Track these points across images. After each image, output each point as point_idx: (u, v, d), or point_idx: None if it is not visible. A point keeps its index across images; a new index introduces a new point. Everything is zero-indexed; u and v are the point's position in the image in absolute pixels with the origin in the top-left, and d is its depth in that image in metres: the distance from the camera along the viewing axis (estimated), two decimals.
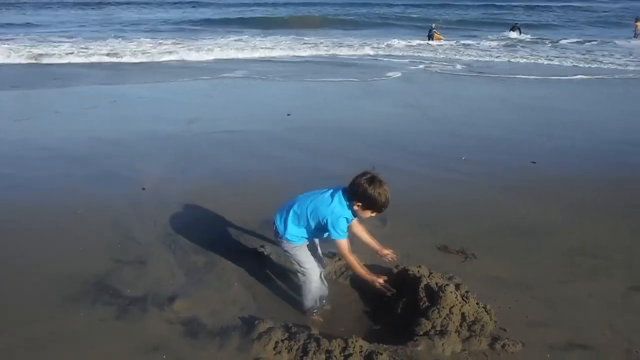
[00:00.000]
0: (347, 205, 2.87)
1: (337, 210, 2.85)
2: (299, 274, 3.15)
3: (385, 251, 3.19)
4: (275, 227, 3.09)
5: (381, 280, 2.98)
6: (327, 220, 2.86)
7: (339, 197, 2.88)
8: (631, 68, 14.80)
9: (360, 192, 2.80)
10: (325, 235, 2.98)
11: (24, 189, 5.10)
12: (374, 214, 2.90)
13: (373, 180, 2.80)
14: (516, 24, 26.73)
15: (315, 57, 16.72)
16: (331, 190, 2.94)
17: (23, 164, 5.79)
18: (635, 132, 7.74)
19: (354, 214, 2.91)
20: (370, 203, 2.82)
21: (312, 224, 2.95)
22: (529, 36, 24.32)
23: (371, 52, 18.17)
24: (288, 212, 3.02)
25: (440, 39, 22.21)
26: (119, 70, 13.15)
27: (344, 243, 2.91)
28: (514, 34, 24.67)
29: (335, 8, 42.56)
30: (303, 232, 3.04)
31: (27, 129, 7.27)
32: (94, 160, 5.92)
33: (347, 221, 2.91)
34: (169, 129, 7.28)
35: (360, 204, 2.84)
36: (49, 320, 3.07)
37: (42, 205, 4.69)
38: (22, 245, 3.97)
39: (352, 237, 3.10)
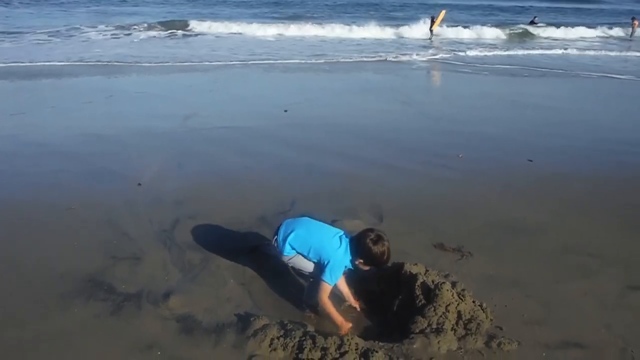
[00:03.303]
0: (350, 260, 3.01)
1: (341, 258, 2.98)
2: (309, 279, 3.19)
3: (354, 303, 3.22)
4: (276, 239, 3.17)
5: (346, 328, 2.99)
6: (327, 262, 2.96)
7: (346, 246, 3.01)
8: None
9: (365, 251, 2.97)
10: (313, 272, 3.08)
11: (17, 185, 5.06)
12: (372, 267, 3.10)
13: (378, 240, 2.96)
14: (535, 17, 26.77)
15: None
16: (341, 235, 3.09)
17: (16, 160, 5.74)
18: (633, 131, 7.76)
19: (353, 266, 3.06)
20: (373, 260, 3.00)
21: (312, 256, 3.06)
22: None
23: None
24: (291, 233, 3.11)
25: (440, 18, 22.27)
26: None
27: (328, 289, 2.99)
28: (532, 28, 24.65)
29: None
30: (299, 250, 3.12)
31: (22, 124, 7.21)
32: (88, 156, 5.88)
33: (344, 269, 3.04)
34: (165, 125, 7.24)
35: (362, 261, 3.02)
36: (43, 317, 3.04)
37: (36, 201, 4.65)
38: (15, 242, 3.94)
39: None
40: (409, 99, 9.56)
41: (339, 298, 3.18)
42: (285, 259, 3.17)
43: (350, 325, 3.03)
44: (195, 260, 3.69)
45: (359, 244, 2.98)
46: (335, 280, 2.99)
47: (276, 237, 3.17)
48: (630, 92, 11.61)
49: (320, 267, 3.02)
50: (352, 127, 7.41)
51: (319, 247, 3.02)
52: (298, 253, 3.12)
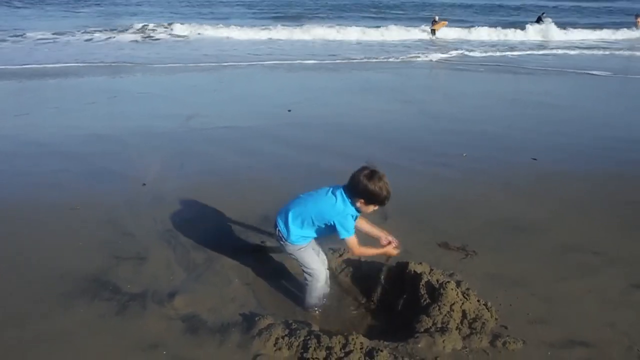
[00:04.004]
0: (351, 203, 2.86)
1: (343, 210, 2.86)
2: (305, 275, 3.15)
3: (389, 239, 3.12)
4: (278, 230, 3.07)
5: (393, 250, 3.10)
6: (334, 221, 2.87)
7: (342, 196, 2.87)
8: None
9: (361, 189, 2.80)
10: (334, 233, 2.95)
11: (21, 185, 5.07)
12: (377, 207, 2.90)
13: (372, 175, 2.80)
14: (543, 13, 26.59)
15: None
16: (332, 189, 2.93)
17: (18, 160, 5.75)
18: (634, 129, 7.75)
19: (358, 210, 2.90)
20: (373, 198, 2.82)
21: (319, 225, 2.96)
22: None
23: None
24: (288, 215, 3.00)
25: (443, 24, 22.18)
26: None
27: (353, 241, 2.92)
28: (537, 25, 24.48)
29: None
30: (307, 232, 3.03)
31: (26, 124, 7.22)
32: (92, 156, 5.89)
33: (353, 218, 2.92)
34: (168, 125, 7.24)
35: (362, 200, 2.84)
36: (48, 316, 3.05)
37: (40, 201, 4.66)
38: (20, 242, 3.95)
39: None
40: (410, 98, 9.55)
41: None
42: (289, 248, 3.07)
43: (393, 245, 3.09)
44: (200, 260, 3.70)
45: (354, 185, 2.83)
46: (351, 230, 2.89)
47: (278, 228, 3.07)
48: (630, 90, 11.58)
49: (331, 229, 2.92)
50: (353, 127, 7.41)
51: (319, 212, 2.92)
52: (307, 237, 3.04)
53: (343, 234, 2.88)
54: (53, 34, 17.37)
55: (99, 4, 31.35)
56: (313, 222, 2.96)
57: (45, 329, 2.94)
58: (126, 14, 26.00)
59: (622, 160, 6.13)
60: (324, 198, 2.92)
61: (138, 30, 19.03)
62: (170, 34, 18.94)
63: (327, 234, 3.05)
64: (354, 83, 11.31)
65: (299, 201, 3.03)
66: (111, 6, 30.78)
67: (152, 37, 18.34)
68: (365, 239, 3.13)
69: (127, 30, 19.01)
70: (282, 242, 3.09)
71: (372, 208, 2.89)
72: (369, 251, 3.09)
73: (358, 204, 2.86)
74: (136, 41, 17.29)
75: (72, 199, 4.69)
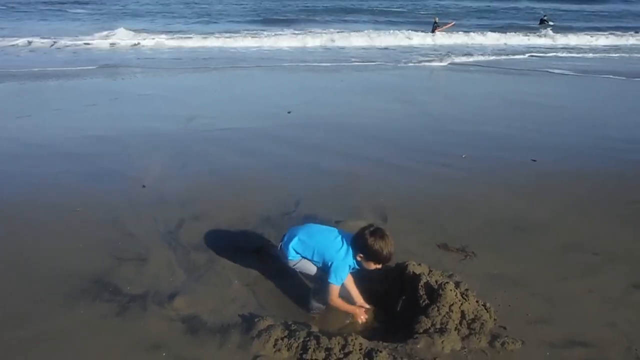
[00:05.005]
0: (353, 255, 2.97)
1: (343, 258, 2.96)
2: (318, 280, 3.19)
3: (362, 314, 3.10)
4: (281, 246, 3.20)
5: (363, 315, 3.08)
6: (331, 264, 2.95)
7: (347, 246, 2.98)
8: None
9: (363, 244, 2.92)
10: (318, 275, 3.09)
11: (22, 187, 5.09)
12: (378, 266, 3.00)
13: (375, 233, 2.90)
14: (545, 15, 26.50)
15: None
16: (341, 235, 3.05)
17: (20, 161, 5.77)
18: (634, 129, 7.74)
19: (358, 264, 3.01)
20: (372, 255, 2.93)
21: (316, 260, 3.07)
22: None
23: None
24: (294, 239, 3.12)
25: (446, 26, 22.12)
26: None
27: (336, 290, 2.99)
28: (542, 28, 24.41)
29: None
30: (304, 255, 3.13)
31: (27, 126, 7.25)
32: (92, 158, 5.90)
33: (350, 269, 3.01)
34: (168, 126, 7.26)
35: (362, 255, 2.95)
36: (49, 317, 3.06)
37: (41, 202, 4.67)
38: (20, 242, 3.96)
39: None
40: (411, 99, 9.55)
41: (348, 300, 3.17)
42: (290, 263, 3.19)
43: (365, 308, 3.08)
44: (200, 261, 3.71)
45: (357, 238, 2.95)
46: (341, 280, 2.99)
47: (281, 243, 3.22)
48: (630, 90, 11.55)
49: (325, 269, 3.03)
50: (354, 127, 7.41)
51: (322, 250, 3.03)
52: (303, 257, 3.13)
53: (332, 279, 2.96)
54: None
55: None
56: (312, 255, 3.07)
57: (45, 329, 2.95)
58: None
59: (622, 160, 6.12)
60: (331, 240, 3.04)
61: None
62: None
63: (319, 267, 3.13)
64: (355, 84, 11.32)
65: (309, 231, 3.16)
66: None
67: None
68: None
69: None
70: (283, 256, 3.21)
71: (372, 265, 2.99)
72: (343, 306, 3.05)
73: (358, 258, 2.97)
74: None
75: (72, 199, 4.71)
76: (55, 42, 16.39)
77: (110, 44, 16.94)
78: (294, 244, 3.11)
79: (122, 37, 17.87)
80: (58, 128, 7.17)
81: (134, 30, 19.29)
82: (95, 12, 28.17)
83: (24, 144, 6.37)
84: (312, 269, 3.16)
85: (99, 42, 17.02)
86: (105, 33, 18.26)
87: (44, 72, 11.65)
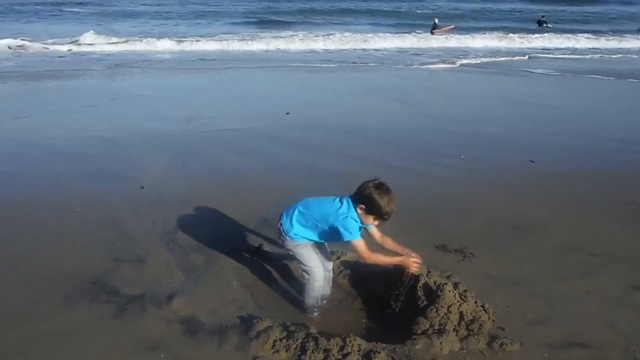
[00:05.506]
0: (354, 208, 2.87)
1: (344, 212, 2.86)
2: (303, 273, 3.15)
3: (411, 254, 3.04)
4: (281, 224, 3.08)
5: (414, 263, 2.98)
6: (337, 224, 2.87)
7: (347, 202, 2.90)
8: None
9: (365, 195, 2.80)
10: (339, 239, 2.94)
11: (21, 187, 5.09)
12: (376, 222, 2.89)
13: (380, 186, 2.82)
14: (543, 16, 26.43)
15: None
16: (339, 197, 2.97)
17: (21, 162, 5.77)
18: (633, 129, 7.73)
19: (358, 219, 2.89)
20: (373, 208, 2.81)
21: (323, 228, 2.96)
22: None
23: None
24: (294, 211, 3.04)
25: (446, 28, 22.07)
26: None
27: (361, 243, 2.87)
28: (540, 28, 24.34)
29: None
30: (309, 234, 3.04)
31: (26, 126, 7.25)
32: (92, 158, 5.90)
33: (356, 222, 2.88)
34: (168, 127, 7.26)
35: (363, 206, 2.83)
36: (47, 318, 3.06)
37: (40, 203, 4.68)
38: (20, 242, 3.97)
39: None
40: (410, 99, 9.54)
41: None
42: (288, 244, 3.08)
43: (412, 256, 2.98)
44: (199, 262, 3.71)
45: (359, 188, 2.84)
46: (355, 232, 2.86)
47: (280, 222, 3.08)
48: (630, 91, 11.53)
49: (335, 233, 2.91)
50: (353, 127, 7.41)
51: (323, 215, 2.93)
52: (306, 237, 3.03)
53: (347, 236, 2.86)
54: None
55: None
56: (316, 225, 2.98)
57: (45, 329, 2.96)
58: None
59: (622, 160, 6.12)
60: (329, 203, 2.97)
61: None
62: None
63: (332, 240, 3.06)
64: (355, 84, 11.32)
65: (306, 203, 3.07)
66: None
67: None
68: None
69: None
70: (282, 237, 3.10)
71: (371, 220, 2.86)
72: (382, 258, 2.94)
73: (359, 210, 2.85)
74: None
75: (72, 200, 4.71)
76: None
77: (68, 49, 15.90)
78: (296, 216, 3.01)
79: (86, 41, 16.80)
80: (57, 128, 7.17)
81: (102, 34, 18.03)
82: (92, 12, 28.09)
83: (23, 144, 6.37)
84: (306, 259, 3.06)
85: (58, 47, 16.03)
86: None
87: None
